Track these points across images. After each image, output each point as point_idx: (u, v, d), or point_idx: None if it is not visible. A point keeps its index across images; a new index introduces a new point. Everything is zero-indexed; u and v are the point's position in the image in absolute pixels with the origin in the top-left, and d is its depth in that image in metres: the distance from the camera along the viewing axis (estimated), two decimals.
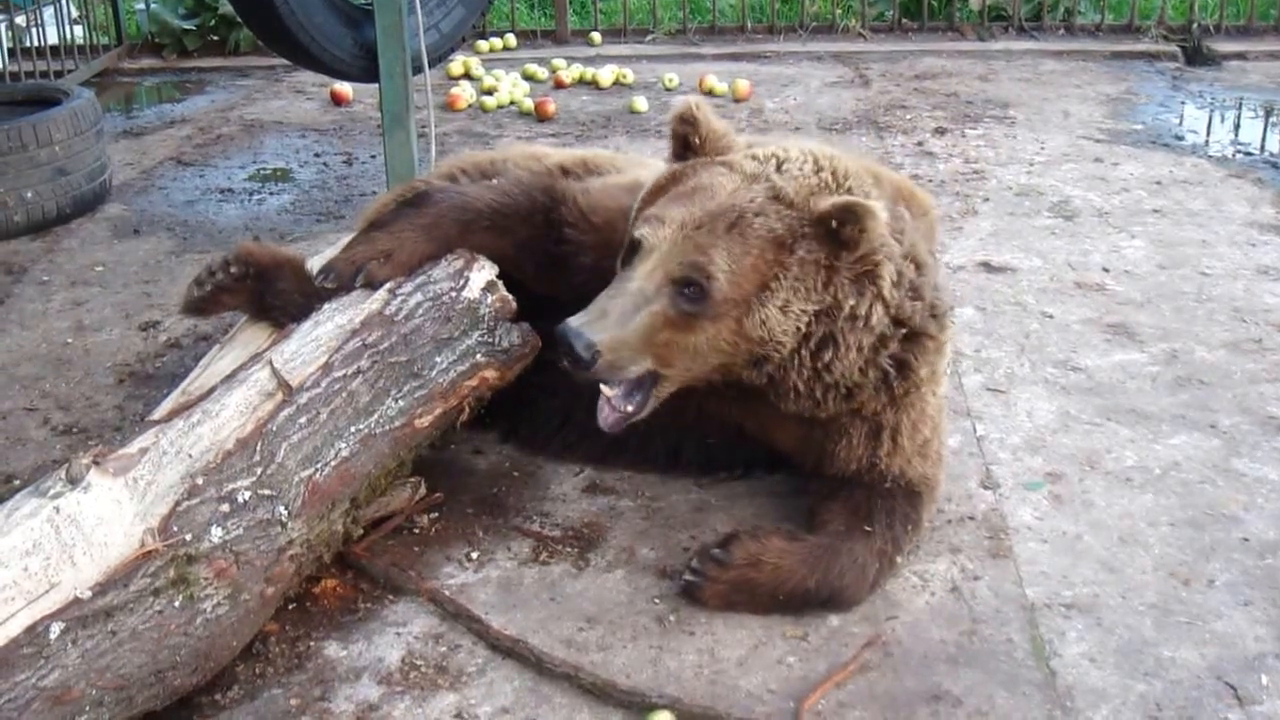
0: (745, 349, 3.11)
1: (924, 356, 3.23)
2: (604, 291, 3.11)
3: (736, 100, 8.27)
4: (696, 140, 3.28)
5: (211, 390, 3.11)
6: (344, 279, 3.47)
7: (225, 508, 2.85)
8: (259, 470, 2.95)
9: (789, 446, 3.49)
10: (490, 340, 3.51)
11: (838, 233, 3.02)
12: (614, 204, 3.57)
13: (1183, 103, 8.16)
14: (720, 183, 3.14)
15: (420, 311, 3.42)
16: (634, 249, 3.13)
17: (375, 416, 3.24)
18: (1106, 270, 5.34)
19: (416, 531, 3.54)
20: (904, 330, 3.18)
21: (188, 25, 9.77)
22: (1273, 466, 3.82)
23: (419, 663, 3.03)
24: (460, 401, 3.47)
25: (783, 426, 3.34)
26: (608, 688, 2.89)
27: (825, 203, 3.04)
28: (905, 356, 3.20)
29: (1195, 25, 9.57)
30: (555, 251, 3.61)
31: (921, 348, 3.22)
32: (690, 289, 3.04)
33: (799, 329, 3.08)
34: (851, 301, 3.07)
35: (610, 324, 3.02)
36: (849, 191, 3.14)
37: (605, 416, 3.20)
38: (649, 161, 4.32)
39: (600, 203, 3.61)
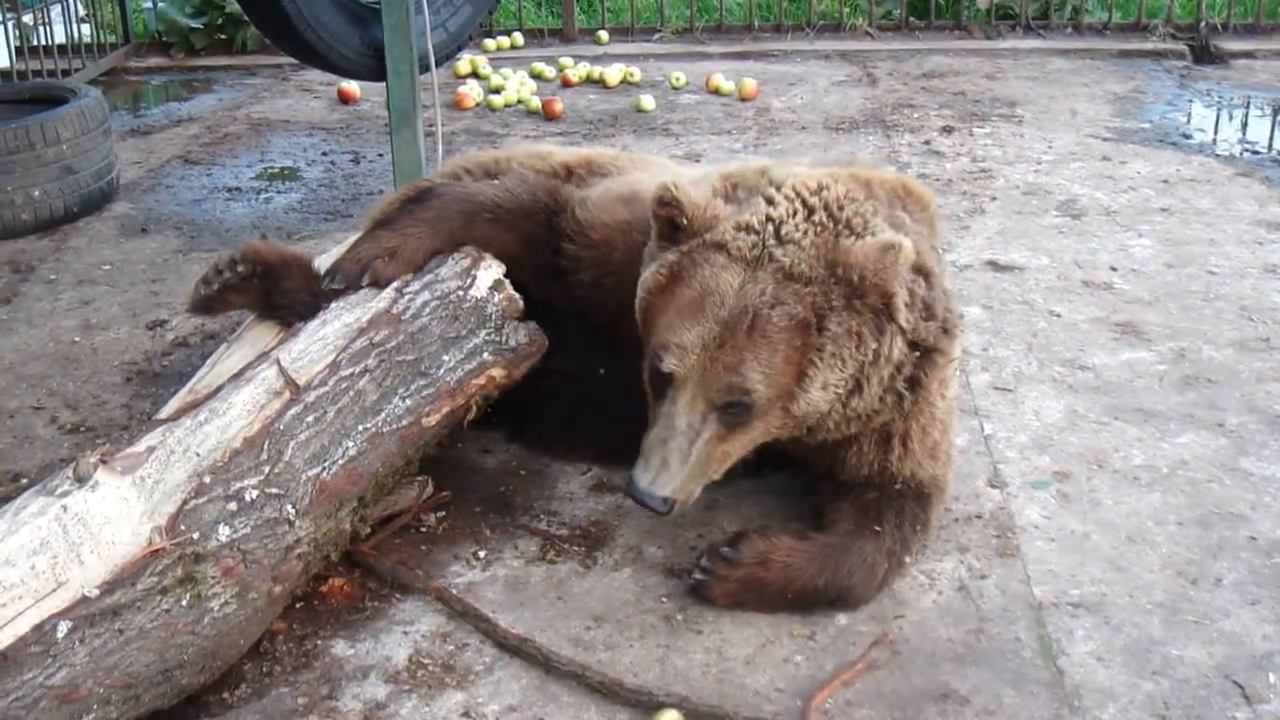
0: (794, 425, 3.14)
1: (935, 372, 3.20)
2: (653, 433, 3.08)
3: (743, 99, 8.26)
4: (684, 222, 3.11)
5: (219, 389, 3.11)
6: (350, 278, 3.47)
7: (233, 506, 2.86)
8: (266, 469, 2.95)
9: (801, 455, 3.48)
10: (497, 339, 3.51)
11: (859, 286, 2.97)
12: (611, 219, 3.55)
13: (1190, 101, 8.14)
14: (725, 281, 3.02)
15: (427, 310, 3.42)
16: (665, 380, 3.06)
17: (383, 415, 3.24)
18: (1114, 269, 5.33)
19: (424, 530, 3.54)
20: (918, 352, 3.14)
21: (195, 24, 9.77)
22: None
23: (426, 661, 3.03)
24: (468, 400, 3.47)
25: (795, 440, 3.32)
26: (615, 686, 2.89)
27: (846, 262, 2.95)
28: (918, 374, 3.16)
29: (1203, 24, 9.55)
30: (553, 263, 3.60)
31: (933, 364, 3.18)
32: (733, 408, 3.04)
33: (842, 389, 3.07)
34: (874, 345, 3.03)
35: (674, 471, 3.04)
36: (848, 223, 3.05)
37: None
38: (653, 161, 4.32)
39: (598, 218, 3.59)
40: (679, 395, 3.05)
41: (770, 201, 3.09)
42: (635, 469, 3.07)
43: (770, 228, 3.04)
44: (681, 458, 3.04)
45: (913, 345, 3.11)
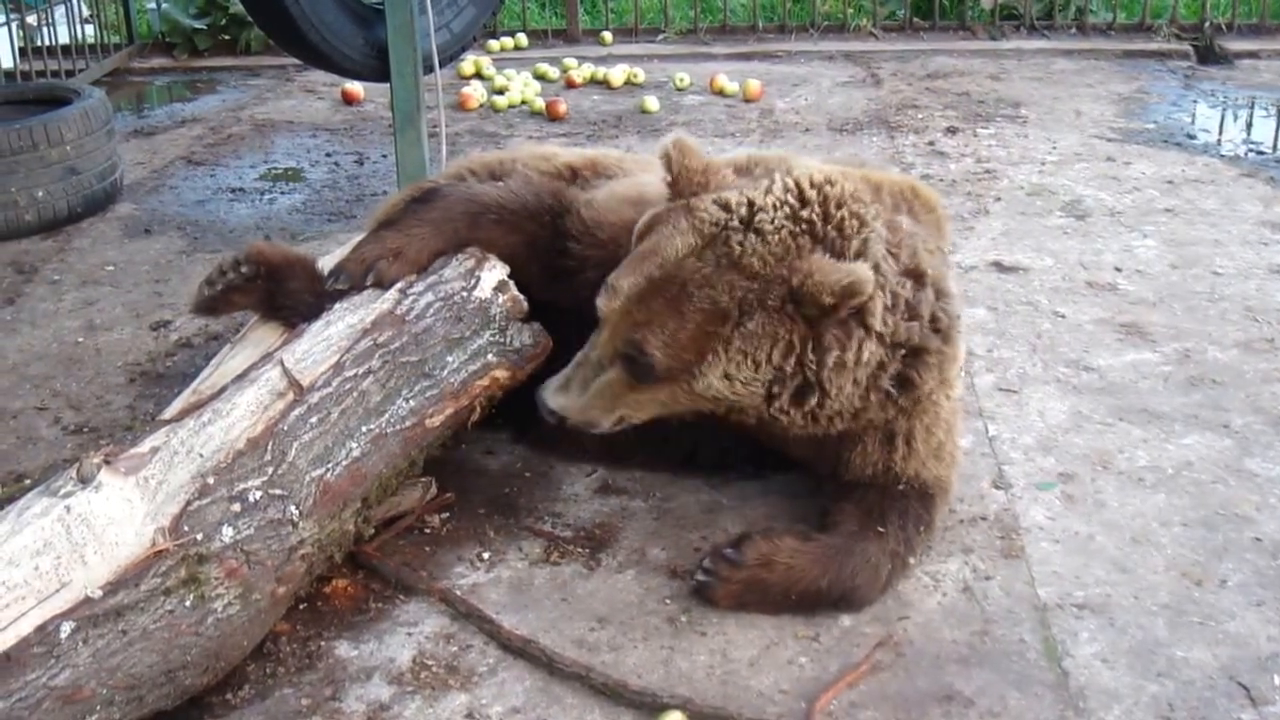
0: (707, 404, 3.19)
1: (927, 372, 3.17)
2: (578, 355, 3.28)
3: (748, 100, 8.26)
4: (668, 177, 3.22)
5: (222, 390, 3.11)
6: (354, 279, 3.47)
7: (236, 507, 2.85)
8: (270, 470, 2.95)
9: (804, 455, 3.47)
10: (502, 340, 3.51)
11: (801, 295, 2.95)
12: (617, 219, 3.55)
13: (1195, 102, 8.13)
14: (673, 245, 3.06)
15: (431, 311, 3.42)
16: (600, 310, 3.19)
17: (386, 416, 3.24)
18: (1119, 270, 5.32)
19: (428, 531, 3.54)
20: (903, 351, 3.12)
21: (199, 25, 9.78)
22: None
23: (430, 663, 3.03)
24: (472, 401, 3.47)
25: (796, 438, 3.32)
26: (619, 688, 2.89)
27: (816, 284, 2.91)
28: (908, 373, 3.14)
29: (1207, 24, 9.54)
30: (558, 264, 3.60)
31: (924, 363, 3.15)
32: (634, 362, 3.11)
33: (756, 390, 3.08)
34: (835, 353, 3.01)
35: (573, 393, 3.26)
36: (839, 223, 3.03)
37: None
38: (658, 162, 4.30)
39: (604, 218, 3.59)
40: (601, 331, 3.20)
41: (770, 185, 3.10)
42: (551, 378, 3.32)
43: (744, 211, 3.04)
44: (583, 385, 3.24)
45: (895, 346, 3.10)
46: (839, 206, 3.06)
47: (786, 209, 3.04)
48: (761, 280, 2.99)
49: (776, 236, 3.00)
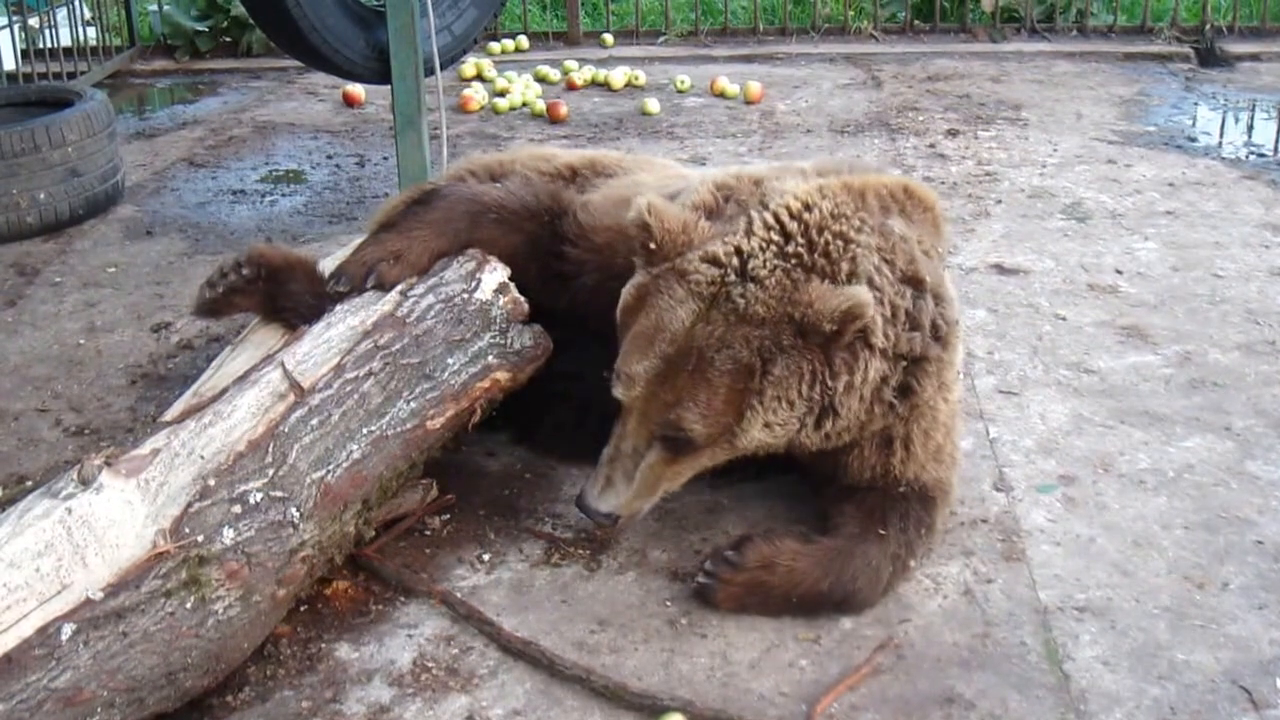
0: (748, 454, 3.21)
1: (927, 379, 3.18)
2: (606, 450, 3.20)
3: (748, 102, 8.27)
4: (652, 246, 3.10)
5: (223, 392, 3.11)
6: (355, 281, 3.47)
7: (237, 509, 2.85)
8: (271, 472, 2.95)
9: (803, 460, 3.47)
10: (502, 342, 3.51)
11: (812, 327, 2.95)
12: (614, 223, 3.54)
13: (1196, 104, 8.13)
14: (678, 317, 3.02)
15: (432, 313, 3.42)
16: (617, 401, 3.16)
17: (387, 418, 3.24)
18: (1119, 272, 5.32)
19: (428, 533, 3.54)
20: (905, 361, 3.13)
21: (200, 27, 9.78)
22: None
23: (430, 665, 3.03)
24: (472, 403, 3.47)
25: (802, 448, 3.31)
26: (619, 690, 2.89)
27: (816, 313, 2.92)
28: (908, 382, 3.15)
29: (1208, 27, 9.55)
30: (556, 267, 3.60)
31: (924, 371, 3.16)
32: (673, 441, 3.10)
33: (792, 427, 3.10)
34: (845, 377, 3.02)
35: (619, 489, 3.18)
36: (825, 249, 3.01)
37: None
38: (658, 162, 4.31)
39: (601, 222, 3.58)
40: (627, 420, 3.15)
41: (749, 227, 3.06)
42: (587, 483, 3.22)
43: (736, 261, 3.01)
44: (625, 478, 3.17)
45: (897, 358, 3.10)
46: (820, 231, 3.03)
47: (773, 248, 3.01)
48: (771, 324, 2.98)
49: (772, 279, 2.98)
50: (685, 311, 3.02)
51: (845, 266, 3.02)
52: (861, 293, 2.94)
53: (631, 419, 3.14)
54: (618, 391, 3.12)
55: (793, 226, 3.04)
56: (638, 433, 3.13)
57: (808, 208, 3.07)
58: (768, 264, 2.99)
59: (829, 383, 3.02)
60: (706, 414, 3.03)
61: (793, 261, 3.00)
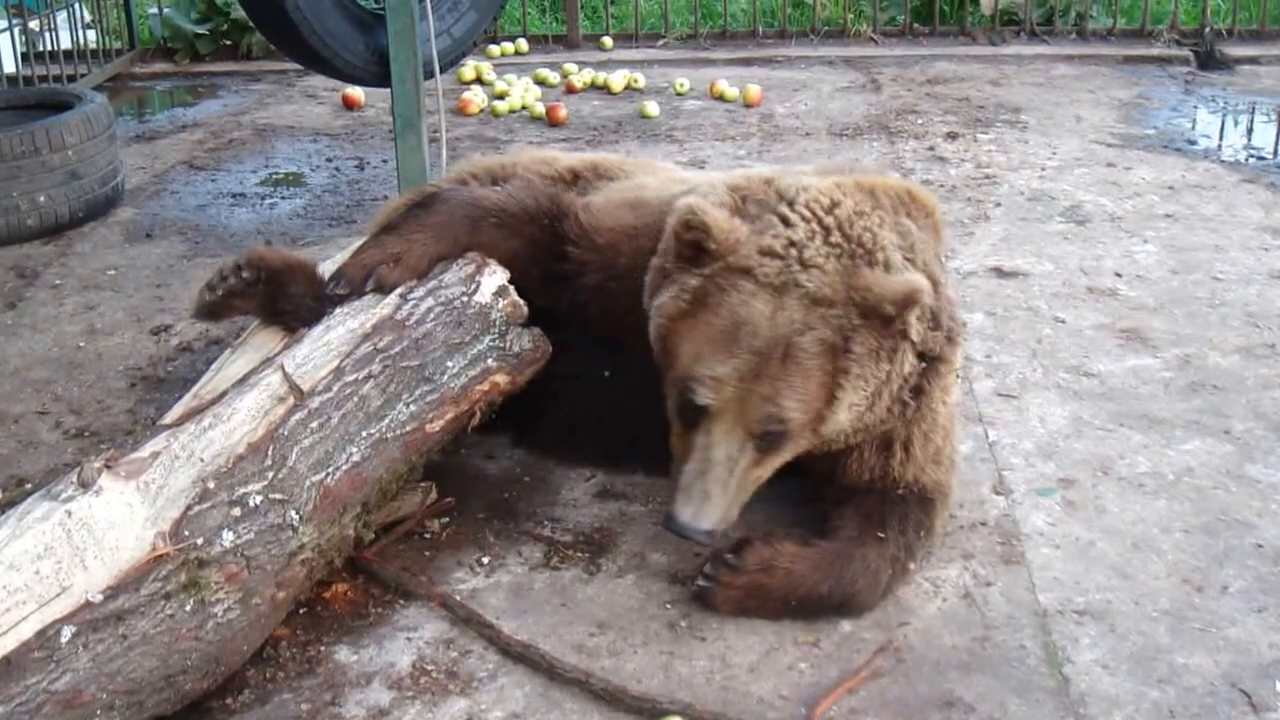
0: (821, 443, 3.19)
1: (936, 379, 3.22)
2: (690, 466, 3.08)
3: (748, 105, 8.27)
4: (712, 246, 3.05)
5: (223, 394, 3.11)
6: (355, 284, 3.47)
7: (236, 512, 2.85)
8: (270, 474, 2.95)
9: (803, 462, 3.47)
10: (502, 345, 3.51)
11: (875, 309, 2.99)
12: (616, 224, 3.55)
13: (1195, 107, 8.13)
14: (756, 310, 2.99)
15: (431, 316, 3.42)
16: (699, 411, 3.05)
17: (386, 421, 3.24)
18: (1119, 275, 5.32)
19: (427, 536, 3.54)
20: (924, 363, 3.15)
21: (200, 30, 9.78)
22: None
23: (430, 668, 3.03)
24: (471, 406, 3.47)
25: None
26: (619, 694, 2.89)
27: (877, 296, 2.96)
28: (921, 383, 3.18)
29: (1208, 30, 9.54)
30: (558, 269, 3.60)
31: (936, 372, 3.20)
32: (769, 436, 3.06)
33: (862, 410, 3.11)
34: (887, 366, 3.07)
35: (716, 502, 3.06)
36: (859, 240, 3.05)
37: None
38: (658, 166, 4.32)
39: (602, 224, 3.58)
40: (714, 426, 3.05)
41: (786, 222, 3.09)
42: (675, 503, 3.06)
43: (794, 252, 3.03)
44: (722, 488, 3.06)
45: (920, 356, 3.13)
46: (851, 225, 3.09)
47: (819, 238, 3.05)
48: (841, 305, 3.00)
49: (830, 264, 3.02)
50: (761, 303, 3.01)
51: (881, 257, 3.06)
52: (918, 278, 2.99)
53: (721, 423, 3.05)
54: (705, 398, 3.02)
55: (829, 220, 3.08)
56: (730, 437, 3.05)
57: (835, 203, 3.12)
58: (821, 251, 3.03)
59: (889, 366, 3.05)
60: (804, 399, 3.01)
61: (839, 250, 3.04)
